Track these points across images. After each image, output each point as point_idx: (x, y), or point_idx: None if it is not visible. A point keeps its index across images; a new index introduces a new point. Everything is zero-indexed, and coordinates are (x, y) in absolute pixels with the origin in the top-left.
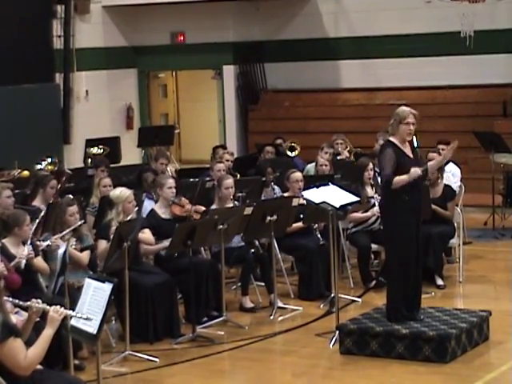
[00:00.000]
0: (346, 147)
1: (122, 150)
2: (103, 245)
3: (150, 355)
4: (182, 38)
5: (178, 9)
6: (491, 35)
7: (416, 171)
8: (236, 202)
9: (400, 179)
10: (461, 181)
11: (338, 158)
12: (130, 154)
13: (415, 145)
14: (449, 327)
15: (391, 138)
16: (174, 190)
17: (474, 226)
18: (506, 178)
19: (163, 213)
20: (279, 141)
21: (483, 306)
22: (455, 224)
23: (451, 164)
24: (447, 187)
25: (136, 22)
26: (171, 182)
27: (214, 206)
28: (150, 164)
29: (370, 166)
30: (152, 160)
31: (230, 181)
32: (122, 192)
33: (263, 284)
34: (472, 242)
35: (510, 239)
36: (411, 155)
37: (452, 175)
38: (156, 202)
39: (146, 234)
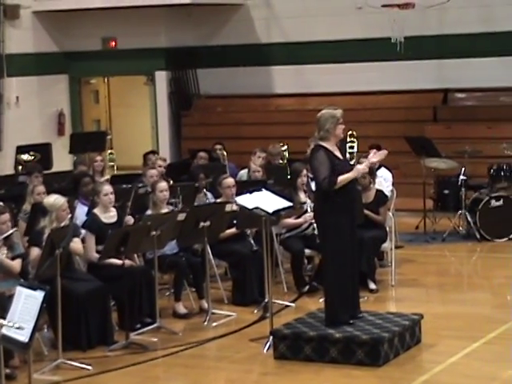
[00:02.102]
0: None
1: (53, 157)
2: (35, 252)
3: (83, 363)
4: (113, 44)
5: (110, 14)
6: (421, 41)
7: (362, 167)
8: (171, 207)
9: (344, 177)
10: (392, 185)
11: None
12: (62, 161)
13: (355, 150)
14: (382, 331)
15: (322, 143)
16: (112, 196)
17: (406, 230)
18: (436, 183)
19: (104, 217)
20: (218, 146)
21: (415, 310)
22: (387, 228)
23: (383, 169)
24: (379, 192)
25: (67, 28)
26: (107, 189)
27: (148, 212)
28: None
29: (304, 172)
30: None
31: (163, 184)
32: (56, 200)
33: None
34: (404, 245)
35: (440, 243)
36: (341, 157)
37: (384, 180)
38: (90, 209)
39: (76, 244)
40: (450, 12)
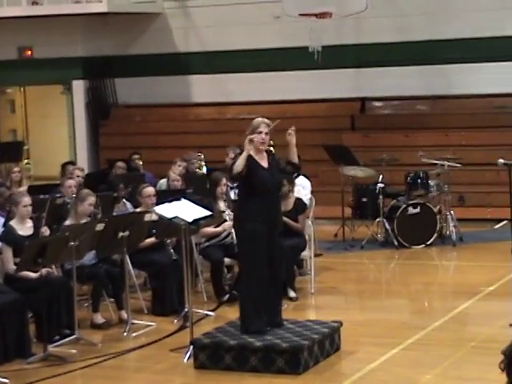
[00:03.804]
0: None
1: None
2: None
3: (0, 376)
4: (29, 53)
5: (26, 23)
6: (338, 50)
7: (249, 137)
8: (89, 217)
9: (239, 160)
10: (311, 193)
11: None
12: None
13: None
14: (301, 339)
15: None
16: (30, 208)
17: (325, 238)
18: (354, 191)
19: (20, 229)
20: (136, 156)
21: (335, 317)
22: (306, 236)
23: (301, 177)
24: (298, 200)
25: None
26: (26, 201)
27: (67, 222)
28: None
29: (223, 181)
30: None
31: (94, 198)
32: None
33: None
34: (323, 253)
35: (359, 250)
36: (266, 166)
37: (302, 188)
38: (7, 219)
39: None
40: (367, 21)
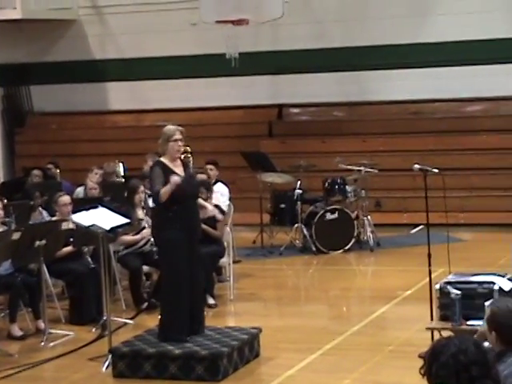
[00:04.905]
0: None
1: None
2: None
3: None
4: None
5: None
6: (255, 57)
7: (175, 179)
8: (5, 227)
9: (164, 190)
10: (229, 200)
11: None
12: None
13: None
14: (221, 345)
15: (161, 158)
16: None
17: (244, 244)
18: (273, 197)
19: None
20: (50, 165)
21: (254, 323)
22: (225, 243)
23: (219, 184)
24: (216, 207)
25: None
26: None
27: None
28: None
29: (141, 188)
30: None
31: None
32: None
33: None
34: (242, 260)
35: (278, 256)
36: (182, 174)
37: (221, 195)
38: None
39: None
40: (283, 28)
